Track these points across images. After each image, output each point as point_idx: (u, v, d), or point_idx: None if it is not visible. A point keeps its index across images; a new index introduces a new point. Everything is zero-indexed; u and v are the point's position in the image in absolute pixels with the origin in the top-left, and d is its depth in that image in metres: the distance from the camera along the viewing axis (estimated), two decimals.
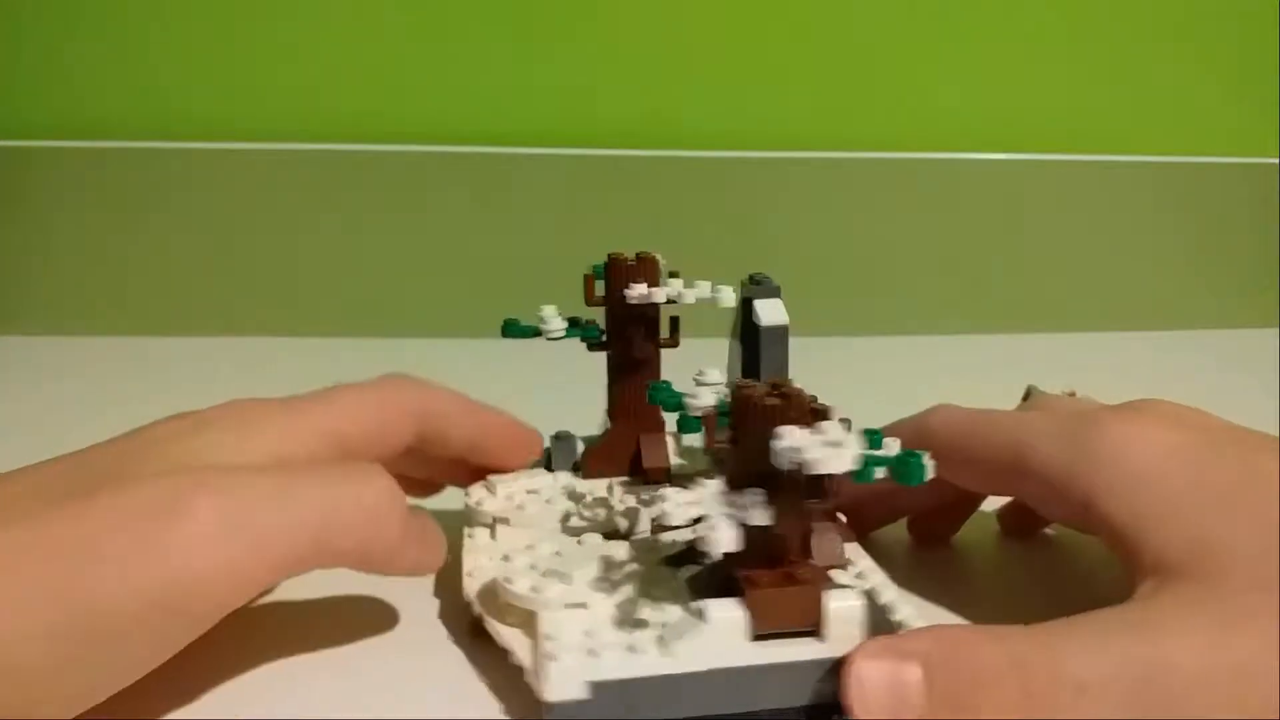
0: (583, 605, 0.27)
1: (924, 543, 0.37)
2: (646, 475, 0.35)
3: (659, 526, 0.31)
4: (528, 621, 0.27)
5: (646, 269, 0.35)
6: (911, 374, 0.58)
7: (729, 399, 0.26)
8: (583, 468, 0.36)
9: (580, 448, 0.36)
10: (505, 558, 0.29)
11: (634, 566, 0.29)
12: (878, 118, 0.66)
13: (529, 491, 0.34)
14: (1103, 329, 0.69)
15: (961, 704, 0.24)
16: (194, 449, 0.26)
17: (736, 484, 0.25)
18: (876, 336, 0.66)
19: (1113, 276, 0.68)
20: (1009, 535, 0.37)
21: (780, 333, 0.32)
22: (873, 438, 0.24)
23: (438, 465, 0.34)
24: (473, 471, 0.34)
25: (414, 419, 0.31)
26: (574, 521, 0.33)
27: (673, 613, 0.26)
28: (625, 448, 0.36)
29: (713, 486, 0.25)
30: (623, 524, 0.33)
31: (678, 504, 0.24)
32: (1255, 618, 0.23)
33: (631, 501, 0.33)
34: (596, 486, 0.35)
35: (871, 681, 0.24)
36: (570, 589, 0.27)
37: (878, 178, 0.65)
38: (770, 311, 0.33)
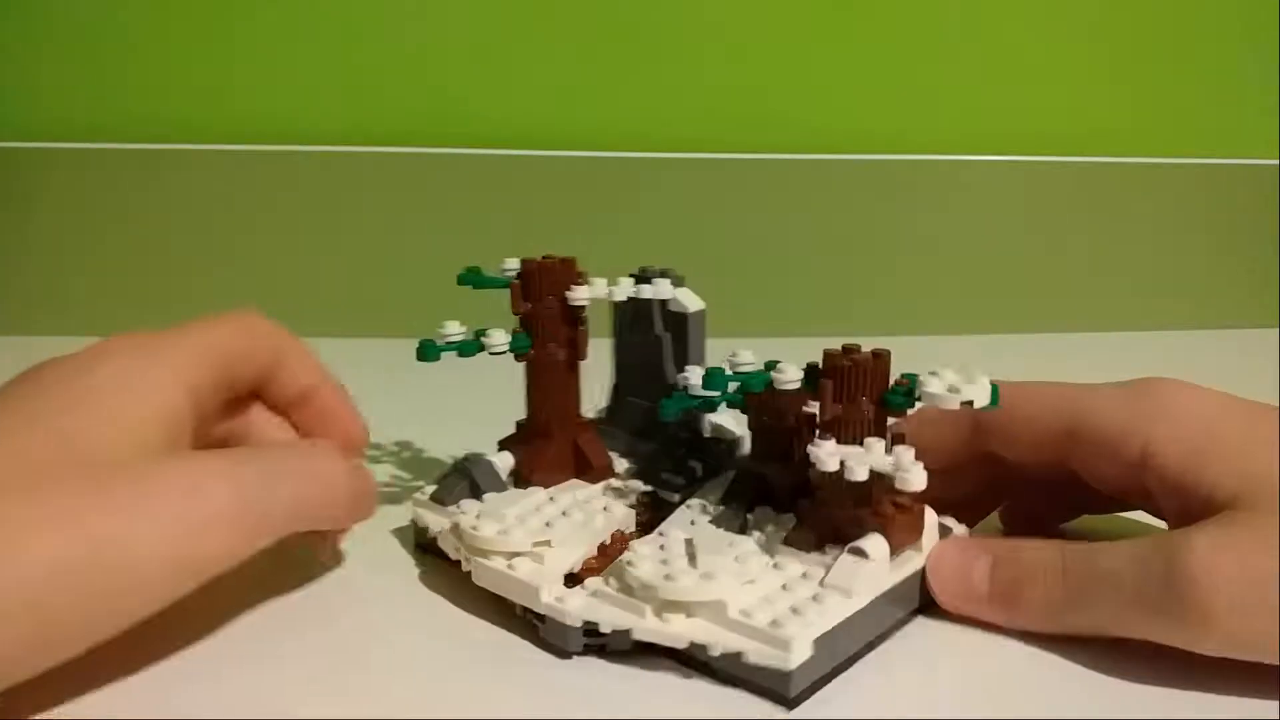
0: (753, 581, 0.28)
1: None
2: (594, 475, 0.35)
3: (840, 482, 0.30)
4: (696, 613, 0.28)
5: (572, 270, 0.34)
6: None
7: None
8: (526, 478, 0.35)
9: (500, 464, 0.35)
10: (576, 576, 0.30)
11: (724, 537, 0.31)
12: (878, 119, 0.66)
13: (535, 511, 0.33)
14: (1103, 329, 0.69)
15: (1016, 591, 0.29)
16: (101, 384, 0.28)
17: (847, 439, 0.29)
18: (876, 337, 0.66)
19: (1113, 276, 0.68)
20: (1011, 534, 0.37)
21: (702, 316, 0.34)
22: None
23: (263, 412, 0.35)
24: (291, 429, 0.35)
25: (273, 347, 0.33)
26: (601, 522, 0.33)
27: (813, 562, 0.29)
28: (565, 453, 0.35)
29: (830, 445, 0.28)
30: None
31: (859, 460, 0.28)
32: None
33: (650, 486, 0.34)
34: (600, 489, 0.35)
35: (949, 566, 0.30)
36: (737, 569, 0.28)
37: (879, 179, 0.65)
38: (692, 299, 0.35)
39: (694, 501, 0.34)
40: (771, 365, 0.30)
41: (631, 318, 0.36)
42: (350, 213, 0.63)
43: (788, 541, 0.30)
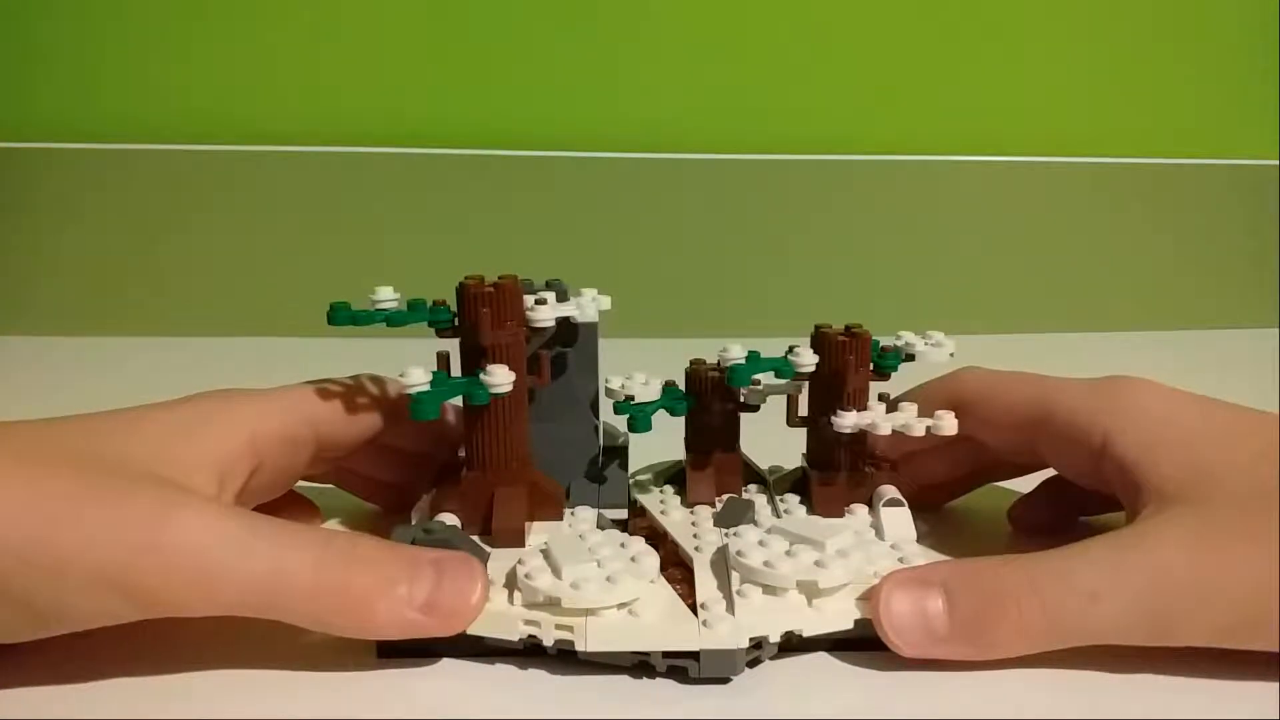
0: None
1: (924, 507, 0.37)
2: (555, 510, 0.32)
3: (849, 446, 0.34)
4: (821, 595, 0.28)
5: (515, 294, 0.31)
6: (911, 373, 0.58)
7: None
8: (510, 528, 0.31)
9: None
10: (702, 605, 0.28)
11: (728, 540, 0.31)
12: (878, 119, 0.66)
13: (585, 555, 0.29)
14: (1103, 329, 0.69)
15: (983, 624, 0.27)
16: (169, 422, 0.28)
17: (831, 408, 0.32)
18: (876, 337, 0.66)
19: (1113, 276, 0.68)
20: (1022, 533, 0.37)
21: (596, 326, 0.34)
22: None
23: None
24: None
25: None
26: (628, 543, 0.30)
27: (844, 538, 0.29)
28: (482, 498, 0.32)
29: (853, 414, 0.32)
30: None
31: (881, 416, 0.32)
32: (1237, 537, 0.26)
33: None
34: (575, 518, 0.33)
35: (900, 613, 0.27)
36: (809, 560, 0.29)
37: (879, 179, 0.65)
38: (588, 308, 0.34)
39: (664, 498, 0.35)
40: (789, 351, 0.33)
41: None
42: (349, 213, 0.63)
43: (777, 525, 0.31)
